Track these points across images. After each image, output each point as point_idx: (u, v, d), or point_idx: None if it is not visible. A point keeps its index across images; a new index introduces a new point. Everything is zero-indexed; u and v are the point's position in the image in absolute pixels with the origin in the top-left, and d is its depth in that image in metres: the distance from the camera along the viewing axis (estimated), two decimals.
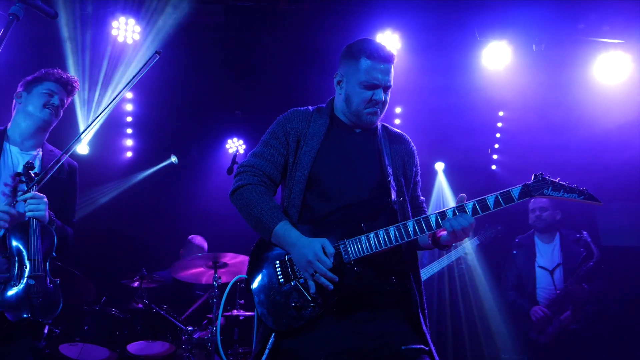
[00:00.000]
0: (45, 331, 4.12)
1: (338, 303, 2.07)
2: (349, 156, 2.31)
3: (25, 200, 2.59)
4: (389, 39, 5.65)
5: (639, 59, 5.41)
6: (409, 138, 2.52)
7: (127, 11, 5.38)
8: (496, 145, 7.03)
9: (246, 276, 2.25)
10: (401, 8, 5.39)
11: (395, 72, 2.34)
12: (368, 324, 2.09)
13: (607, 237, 6.17)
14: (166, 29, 5.41)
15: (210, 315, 4.69)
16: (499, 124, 6.89)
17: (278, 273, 2.16)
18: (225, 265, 4.82)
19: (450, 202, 6.77)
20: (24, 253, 2.58)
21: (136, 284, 5.03)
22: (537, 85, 5.79)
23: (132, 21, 5.42)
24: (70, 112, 5.73)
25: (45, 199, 2.65)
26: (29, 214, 2.58)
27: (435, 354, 2.12)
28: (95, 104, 5.99)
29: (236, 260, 4.80)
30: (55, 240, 2.71)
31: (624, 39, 5.37)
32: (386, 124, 2.51)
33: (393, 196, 2.24)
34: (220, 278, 4.75)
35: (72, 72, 5.47)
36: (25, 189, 2.65)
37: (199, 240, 5.83)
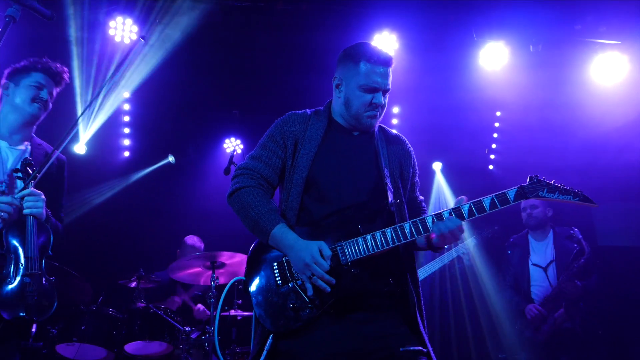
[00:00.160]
0: (34, 330, 4.14)
1: (335, 304, 2.08)
2: (347, 159, 2.32)
3: (23, 197, 2.56)
4: (387, 39, 5.66)
5: (636, 60, 5.43)
6: (405, 139, 2.53)
7: (125, 11, 5.38)
8: (493, 145, 7.05)
9: (244, 278, 2.25)
10: (399, 8, 5.40)
11: (392, 72, 2.35)
12: (366, 325, 2.10)
13: (604, 237, 6.19)
14: (164, 29, 5.41)
15: (209, 315, 4.69)
16: (496, 124, 6.91)
17: (276, 275, 2.17)
18: (223, 265, 4.82)
19: (450, 201, 6.78)
20: (21, 250, 2.56)
21: (133, 284, 5.03)
22: (535, 86, 5.81)
23: (129, 21, 5.42)
24: (71, 111, 5.73)
25: (43, 196, 2.63)
26: (26, 211, 2.56)
27: (433, 355, 2.13)
28: (99, 105, 6.00)
29: (234, 260, 4.79)
30: (52, 238, 2.70)
31: (621, 40, 5.39)
32: (383, 125, 2.52)
33: (390, 198, 2.25)
34: (217, 278, 4.74)
35: (74, 73, 5.47)
36: (21, 185, 2.63)
37: (192, 240, 5.82)
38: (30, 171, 2.66)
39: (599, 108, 5.69)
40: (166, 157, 6.70)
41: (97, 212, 6.59)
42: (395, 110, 6.72)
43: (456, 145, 6.77)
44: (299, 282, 2.12)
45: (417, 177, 2.50)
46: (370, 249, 2.10)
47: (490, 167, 7.18)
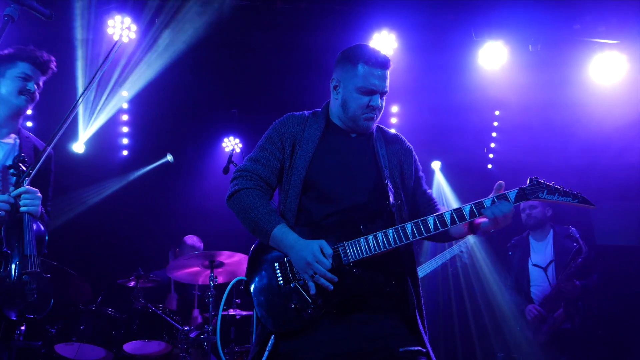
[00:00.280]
0: (23, 328, 4.14)
1: (337, 305, 2.09)
2: (345, 160, 2.32)
3: (19, 195, 2.54)
4: (386, 39, 5.66)
5: (635, 60, 5.44)
6: (404, 138, 2.53)
7: (124, 10, 5.37)
8: (492, 145, 7.05)
9: (245, 278, 2.25)
10: (398, 8, 5.40)
11: (391, 71, 2.36)
12: (367, 325, 2.11)
13: (602, 236, 6.20)
14: (163, 28, 5.40)
15: (207, 314, 4.69)
16: (495, 123, 6.91)
17: (277, 275, 2.17)
18: (221, 264, 4.81)
19: (451, 199, 6.79)
20: (20, 249, 2.55)
21: (132, 283, 5.02)
22: (534, 85, 5.81)
23: (128, 20, 5.41)
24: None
25: (39, 194, 2.62)
26: (23, 208, 2.54)
27: (432, 355, 2.14)
28: (102, 104, 6.01)
29: (233, 259, 4.79)
30: (46, 235, 2.69)
31: (620, 39, 5.40)
32: (381, 126, 2.53)
33: (391, 199, 2.25)
34: (216, 278, 4.74)
35: (78, 73, 5.47)
36: (13, 180, 2.61)
37: (192, 240, 5.82)
38: (23, 167, 2.62)
39: (598, 107, 5.70)
40: (165, 156, 6.70)
41: (96, 211, 6.59)
42: (394, 109, 6.72)
43: (455, 144, 6.78)
44: (301, 282, 2.12)
45: (421, 172, 2.50)
46: (372, 250, 2.10)
47: (489, 166, 7.19)
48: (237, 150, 7.05)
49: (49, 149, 2.74)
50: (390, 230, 2.11)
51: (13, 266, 2.52)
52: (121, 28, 5.39)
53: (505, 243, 5.26)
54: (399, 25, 5.60)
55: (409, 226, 2.11)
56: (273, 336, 2.11)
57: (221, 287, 4.85)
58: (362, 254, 2.10)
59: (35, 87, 2.80)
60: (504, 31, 5.55)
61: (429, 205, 2.42)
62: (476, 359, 6.23)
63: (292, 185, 2.27)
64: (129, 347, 4.68)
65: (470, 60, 5.78)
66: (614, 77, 5.58)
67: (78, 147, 6.31)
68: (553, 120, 6.07)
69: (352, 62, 2.30)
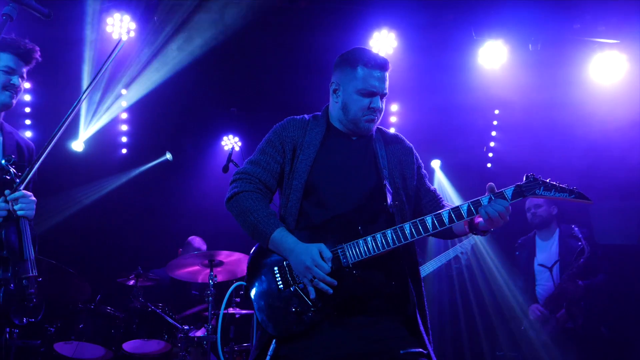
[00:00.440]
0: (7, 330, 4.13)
1: (338, 307, 2.09)
2: (346, 163, 2.32)
3: (15, 199, 2.51)
4: (385, 38, 5.65)
5: (634, 59, 5.43)
6: (403, 137, 2.53)
7: (122, 8, 5.36)
8: (492, 144, 7.05)
9: (245, 283, 2.25)
10: (397, 7, 5.40)
11: (391, 70, 2.36)
12: (368, 328, 2.11)
13: (601, 235, 6.20)
14: (162, 26, 5.39)
15: (207, 314, 4.69)
16: (495, 122, 6.91)
17: (277, 279, 2.17)
18: (221, 263, 4.81)
19: (453, 197, 6.79)
20: (17, 253, 2.54)
21: (132, 282, 5.02)
22: (533, 85, 5.81)
23: (127, 17, 5.39)
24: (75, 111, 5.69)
25: (33, 197, 2.60)
26: (20, 212, 2.51)
27: (433, 356, 2.14)
28: (104, 103, 6.01)
29: (232, 259, 4.79)
30: (37, 238, 2.68)
31: (620, 39, 5.39)
32: (381, 127, 2.52)
33: (389, 200, 2.25)
34: (216, 277, 4.74)
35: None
36: (6, 183, 2.58)
37: (197, 242, 5.82)
38: (14, 170, 2.58)
39: (598, 107, 5.70)
40: (164, 154, 6.70)
41: (95, 209, 6.58)
42: (394, 108, 6.71)
43: (454, 143, 6.77)
44: (301, 285, 2.12)
45: (423, 170, 2.50)
46: (371, 251, 2.10)
47: (489, 165, 7.18)
48: (237, 148, 7.05)
49: (49, 149, 2.71)
50: (389, 231, 2.11)
51: (13, 271, 2.52)
52: (120, 26, 5.37)
53: (513, 243, 5.26)
54: (399, 24, 5.60)
55: (407, 226, 2.11)
56: (274, 340, 2.10)
57: (220, 286, 4.86)
58: (362, 256, 2.10)
59: (20, 80, 2.69)
60: (504, 30, 5.55)
61: (433, 202, 2.42)
62: (475, 357, 6.24)
63: (294, 189, 2.27)
64: (128, 346, 4.68)
65: (470, 60, 5.78)
66: (613, 76, 5.57)
67: (77, 145, 6.30)
68: (553, 120, 6.06)
69: (352, 64, 2.31)
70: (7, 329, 3.94)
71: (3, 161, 2.61)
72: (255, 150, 2.40)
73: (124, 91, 6.30)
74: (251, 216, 2.20)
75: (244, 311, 4.94)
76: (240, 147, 7.08)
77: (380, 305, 2.15)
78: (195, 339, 4.63)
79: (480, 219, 2.14)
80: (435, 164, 7.13)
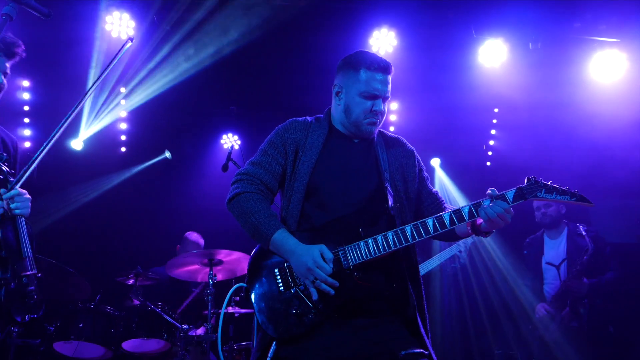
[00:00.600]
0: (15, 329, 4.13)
1: (338, 309, 2.09)
2: (347, 166, 2.33)
3: (11, 198, 2.50)
4: (385, 36, 5.64)
5: (635, 58, 5.43)
6: (405, 140, 2.54)
7: (122, 6, 5.34)
8: (491, 142, 7.05)
9: (245, 285, 2.25)
10: (397, 5, 5.39)
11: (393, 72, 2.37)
12: (368, 330, 2.11)
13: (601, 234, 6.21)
14: (162, 25, 5.37)
15: (206, 313, 4.69)
16: (494, 121, 6.90)
17: (278, 281, 2.17)
18: (220, 262, 4.81)
19: (455, 195, 6.79)
20: (17, 251, 2.54)
21: (131, 281, 5.02)
22: (533, 83, 5.81)
23: (126, 16, 5.37)
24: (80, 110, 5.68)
25: (28, 195, 2.60)
26: (16, 211, 2.51)
27: (434, 357, 2.14)
28: (112, 103, 6.00)
29: (231, 257, 4.78)
30: (34, 236, 2.68)
31: (620, 37, 5.39)
32: (382, 130, 2.53)
33: (390, 202, 2.25)
34: (215, 275, 4.74)
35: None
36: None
37: (194, 236, 5.81)
38: (6, 167, 2.58)
39: (598, 105, 5.69)
40: (163, 152, 6.69)
41: (94, 208, 6.57)
42: (394, 106, 6.70)
43: (454, 142, 6.78)
44: (302, 287, 2.12)
45: (424, 172, 2.51)
46: (372, 253, 2.10)
47: (488, 163, 7.18)
48: (236, 147, 7.04)
49: (44, 152, 2.69)
50: (390, 233, 2.11)
51: (13, 269, 2.52)
52: (119, 25, 5.36)
53: (522, 242, 5.26)
54: (399, 23, 5.59)
55: (408, 228, 2.11)
56: (274, 342, 2.11)
57: (220, 285, 4.86)
58: (363, 258, 2.11)
59: (2, 76, 2.60)
60: (504, 29, 5.54)
61: (435, 204, 2.43)
62: (474, 355, 6.25)
63: (295, 190, 2.27)
64: (127, 345, 4.68)
65: (471, 58, 5.78)
66: (613, 75, 5.57)
67: (77, 144, 6.29)
68: (553, 118, 6.06)
69: (355, 67, 2.31)
70: (7, 328, 3.97)
71: None
72: (257, 151, 2.40)
73: (123, 89, 6.29)
74: (252, 217, 2.20)
75: (243, 310, 4.94)
76: (239, 145, 7.07)
77: (380, 307, 2.15)
78: (195, 338, 4.62)
79: (482, 221, 2.15)
80: (435, 162, 7.14)
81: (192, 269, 4.97)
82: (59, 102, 5.87)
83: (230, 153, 4.73)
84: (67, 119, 2.63)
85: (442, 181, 7.03)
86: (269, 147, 2.37)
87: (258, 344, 2.19)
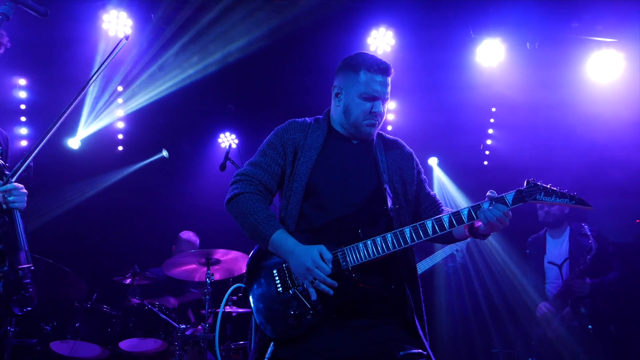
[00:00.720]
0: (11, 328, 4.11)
1: (337, 310, 2.09)
2: (346, 167, 2.33)
3: (8, 191, 2.52)
4: (383, 36, 5.64)
5: (632, 58, 5.44)
6: (403, 143, 2.54)
7: (119, 4, 5.32)
8: (489, 141, 7.06)
9: (244, 285, 2.25)
10: (395, 5, 5.39)
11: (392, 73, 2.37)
12: (366, 331, 2.11)
13: None
14: (159, 23, 5.36)
15: (204, 312, 4.69)
16: (492, 120, 6.91)
17: (276, 281, 2.17)
18: (218, 261, 4.80)
19: (453, 194, 6.79)
20: (12, 244, 2.55)
21: (128, 280, 5.01)
22: (531, 83, 5.82)
23: (123, 14, 5.35)
24: (79, 109, 5.70)
25: (24, 189, 2.60)
26: (13, 205, 2.53)
27: (432, 358, 2.15)
28: (110, 104, 5.98)
29: (229, 257, 4.78)
30: (28, 230, 2.68)
31: (617, 37, 5.40)
32: (381, 132, 2.53)
33: (389, 203, 2.26)
34: (213, 275, 4.73)
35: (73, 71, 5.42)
36: None
37: (187, 235, 5.79)
38: (0, 161, 2.60)
39: (595, 105, 5.71)
40: (160, 151, 6.66)
41: (91, 208, 6.55)
42: (391, 105, 6.70)
43: (451, 141, 6.78)
44: (300, 288, 2.12)
45: (423, 175, 2.52)
46: (371, 254, 2.10)
47: (485, 162, 7.19)
48: (234, 146, 7.03)
49: (39, 147, 2.68)
50: (389, 235, 2.12)
51: (9, 262, 2.52)
52: (117, 23, 5.34)
53: (524, 241, 5.25)
54: (397, 23, 5.59)
55: (407, 230, 2.12)
56: (272, 343, 2.10)
57: (217, 285, 4.86)
58: (361, 259, 2.11)
59: None
60: (501, 29, 5.55)
61: (433, 207, 2.43)
62: (469, 355, 6.27)
63: (294, 191, 2.27)
64: (124, 344, 4.66)
65: (468, 58, 5.79)
66: (611, 75, 5.58)
67: (74, 142, 6.27)
68: (550, 118, 6.08)
69: (354, 69, 2.32)
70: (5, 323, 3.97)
71: None
72: (256, 152, 2.41)
73: (120, 88, 6.27)
74: (251, 217, 2.20)
75: (240, 309, 4.94)
76: (237, 144, 7.06)
77: (379, 309, 2.15)
78: (192, 337, 4.62)
79: (480, 223, 2.15)
80: (433, 161, 7.15)
81: (189, 269, 4.97)
82: (55, 101, 5.84)
83: (228, 152, 4.72)
84: (63, 114, 2.63)
85: (441, 180, 7.04)
86: (267, 148, 2.37)
87: (256, 344, 2.19)
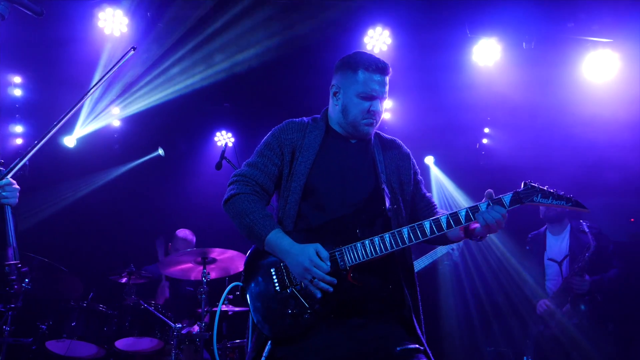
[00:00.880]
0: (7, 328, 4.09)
1: (334, 310, 2.09)
2: (344, 167, 2.33)
3: (2, 187, 2.50)
4: (380, 35, 5.64)
5: (627, 58, 5.45)
6: (401, 143, 2.55)
7: (115, 2, 5.30)
8: (485, 140, 7.08)
9: (242, 284, 2.25)
10: (392, 4, 5.39)
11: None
12: (364, 329, 2.12)
13: None
14: (155, 22, 5.34)
15: (200, 310, 4.69)
16: (488, 118, 6.93)
17: (274, 280, 2.18)
18: (214, 260, 4.80)
19: (453, 192, 6.81)
20: (1, 240, 2.53)
21: (124, 279, 5.00)
22: (527, 83, 5.82)
23: (119, 12, 5.33)
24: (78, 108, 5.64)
25: (16, 185, 2.60)
26: (4, 200, 2.51)
27: (430, 354, 2.16)
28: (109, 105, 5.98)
29: (225, 256, 4.78)
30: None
31: (613, 38, 5.41)
32: (378, 132, 2.53)
33: (387, 203, 2.26)
34: (209, 274, 4.73)
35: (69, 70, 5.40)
36: None
37: (183, 233, 5.78)
38: None
39: (590, 105, 5.73)
40: (156, 150, 6.65)
41: (87, 206, 6.53)
42: (387, 105, 6.71)
43: (448, 140, 6.80)
44: (298, 287, 2.13)
45: (419, 176, 2.52)
46: (369, 254, 2.11)
47: (481, 162, 7.21)
48: (230, 144, 7.01)
49: (39, 146, 2.68)
50: (387, 235, 2.12)
51: None
52: (112, 21, 5.32)
53: (524, 238, 5.26)
54: (394, 22, 5.59)
55: (405, 230, 2.12)
56: (269, 342, 2.11)
57: (213, 283, 4.86)
58: (359, 259, 2.11)
59: None
60: (498, 28, 5.55)
61: (428, 208, 2.44)
62: (465, 353, 6.29)
63: (292, 191, 2.27)
64: (120, 343, 4.67)
65: (464, 57, 5.79)
66: (606, 75, 5.60)
67: (69, 141, 6.24)
68: (545, 117, 6.10)
69: (352, 68, 2.32)
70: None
71: None
72: (254, 153, 2.41)
73: (117, 91, 6.26)
74: (247, 218, 2.21)
75: (237, 308, 4.94)
76: (233, 143, 7.04)
77: (376, 308, 2.16)
78: (188, 336, 4.62)
79: (477, 225, 2.16)
80: (429, 160, 7.17)
81: (185, 268, 4.96)
82: (51, 99, 5.83)
83: (224, 151, 4.70)
84: (65, 116, 2.62)
85: (439, 179, 7.05)
86: (265, 148, 2.37)
87: (254, 344, 2.19)
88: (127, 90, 6.07)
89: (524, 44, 5.54)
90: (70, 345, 4.53)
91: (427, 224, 2.12)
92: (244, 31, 5.62)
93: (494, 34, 5.59)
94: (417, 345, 2.13)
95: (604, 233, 4.82)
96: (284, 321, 2.10)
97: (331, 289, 2.06)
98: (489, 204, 2.12)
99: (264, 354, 2.09)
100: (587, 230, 4.65)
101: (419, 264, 5.36)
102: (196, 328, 4.79)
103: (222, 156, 4.64)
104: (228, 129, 7.14)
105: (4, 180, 2.50)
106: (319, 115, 2.48)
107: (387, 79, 2.34)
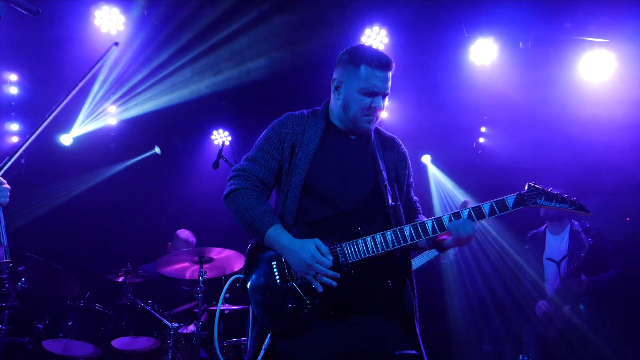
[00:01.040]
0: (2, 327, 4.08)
1: (334, 306, 2.09)
2: (345, 162, 2.32)
3: None
4: (377, 34, 5.64)
5: (623, 58, 5.47)
6: (400, 141, 2.53)
7: (112, 0, 5.28)
8: (481, 140, 7.10)
9: (242, 276, 2.25)
10: (389, 3, 5.39)
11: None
12: (363, 327, 2.12)
13: None
14: (152, 20, 5.33)
15: (196, 310, 4.69)
16: (485, 117, 6.95)
17: (275, 274, 2.17)
18: (211, 260, 4.79)
19: (453, 192, 6.82)
20: None
21: (121, 279, 4.99)
22: (523, 82, 5.84)
23: (116, 10, 5.32)
24: (75, 107, 5.66)
25: (7, 185, 2.58)
26: None
27: (425, 358, 2.16)
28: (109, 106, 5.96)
29: (222, 255, 4.77)
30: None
31: (609, 38, 5.42)
32: (378, 128, 2.52)
33: (389, 201, 2.26)
34: (205, 273, 4.72)
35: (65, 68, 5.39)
36: None
37: (185, 234, 5.78)
38: None
39: (586, 105, 5.75)
40: (152, 148, 6.63)
41: (83, 205, 6.52)
42: (385, 103, 6.70)
43: (444, 139, 6.81)
44: (299, 281, 2.12)
45: (411, 179, 2.52)
46: (370, 251, 2.11)
47: (478, 161, 7.23)
48: (227, 143, 6.99)
49: (28, 143, 2.64)
50: (389, 233, 2.12)
51: None
52: (109, 20, 5.30)
53: (523, 237, 5.27)
54: (391, 21, 5.59)
55: (407, 229, 2.12)
56: (269, 335, 2.11)
57: (210, 283, 4.85)
58: (360, 255, 2.11)
59: None
60: (495, 28, 5.57)
61: (412, 212, 2.46)
62: (461, 352, 6.31)
63: (292, 186, 2.26)
64: (117, 342, 4.65)
65: (461, 57, 5.80)
66: (602, 75, 5.62)
67: (66, 139, 6.22)
68: (541, 117, 6.12)
69: (355, 63, 2.28)
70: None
71: None
72: (253, 147, 2.38)
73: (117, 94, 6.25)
74: (247, 213, 2.20)
75: (233, 307, 4.94)
76: (230, 142, 7.02)
77: (376, 305, 2.16)
78: (185, 335, 4.62)
79: (446, 237, 2.17)
80: (426, 159, 7.18)
81: (182, 267, 4.96)
82: (47, 97, 5.81)
83: (221, 150, 4.70)
84: (51, 114, 2.59)
85: (437, 177, 7.06)
86: (264, 142, 2.35)
87: (254, 338, 2.19)
88: (122, 86, 6.05)
89: (520, 43, 5.56)
90: (67, 344, 4.51)
91: (429, 223, 2.13)
92: (241, 30, 5.61)
93: (490, 33, 5.60)
94: (414, 352, 2.12)
95: (603, 234, 4.82)
96: (283, 315, 2.09)
97: (335, 284, 2.05)
98: (491, 206, 2.11)
99: (263, 347, 2.08)
100: (579, 229, 4.66)
101: (416, 263, 5.36)
102: (193, 327, 4.79)
103: (220, 155, 4.63)
104: (225, 127, 7.13)
105: None
106: (319, 108, 2.45)
107: (390, 74, 2.30)
